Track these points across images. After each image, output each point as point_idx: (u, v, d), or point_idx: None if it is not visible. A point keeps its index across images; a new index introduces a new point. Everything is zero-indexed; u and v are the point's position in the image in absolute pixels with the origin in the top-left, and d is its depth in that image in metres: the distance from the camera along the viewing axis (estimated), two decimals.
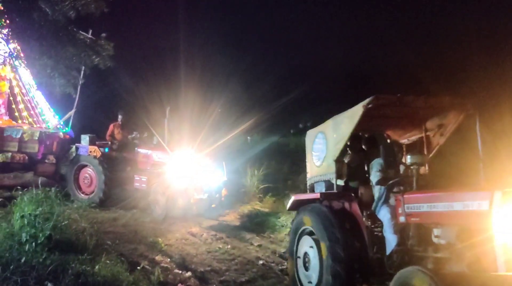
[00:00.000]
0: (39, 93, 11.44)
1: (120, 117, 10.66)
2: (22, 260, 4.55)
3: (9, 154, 9.93)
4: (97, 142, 10.22)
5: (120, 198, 10.16)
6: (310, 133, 6.08)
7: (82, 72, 10.63)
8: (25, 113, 11.55)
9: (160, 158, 9.59)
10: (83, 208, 8.27)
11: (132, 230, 7.88)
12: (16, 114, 11.53)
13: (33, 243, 4.78)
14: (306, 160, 6.11)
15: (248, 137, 11.16)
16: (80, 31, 10.00)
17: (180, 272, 6.13)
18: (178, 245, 7.34)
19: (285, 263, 6.68)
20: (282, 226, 9.04)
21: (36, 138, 10.21)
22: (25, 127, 10.55)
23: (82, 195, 9.97)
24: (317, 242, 5.03)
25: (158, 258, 6.57)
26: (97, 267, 4.93)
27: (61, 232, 5.76)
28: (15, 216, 5.51)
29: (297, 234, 5.62)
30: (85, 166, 10.07)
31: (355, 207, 5.04)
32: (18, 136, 10.08)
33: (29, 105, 11.56)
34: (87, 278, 4.70)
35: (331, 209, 5.16)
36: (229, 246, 7.41)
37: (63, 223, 5.86)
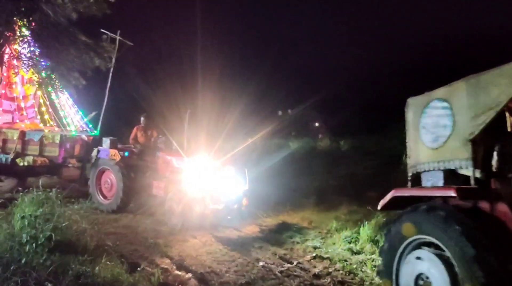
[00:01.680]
0: (65, 96, 11.25)
1: (142, 119, 10.42)
2: (23, 261, 4.58)
3: (31, 158, 9.88)
4: (119, 146, 10.03)
5: (140, 204, 9.94)
6: (416, 101, 4.55)
7: (110, 75, 10.60)
8: (47, 116, 11.38)
9: (179, 164, 9.11)
10: (84, 209, 8.30)
11: (133, 231, 7.91)
12: (38, 117, 11.38)
13: (34, 244, 4.80)
14: (407, 140, 4.69)
15: (249, 139, 10.94)
16: (108, 32, 10.00)
17: (180, 273, 6.13)
18: (179, 247, 7.34)
19: (285, 265, 6.68)
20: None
21: (57, 142, 10.10)
22: (46, 130, 10.41)
23: (103, 199, 9.78)
24: (446, 261, 3.57)
25: (158, 259, 6.58)
26: (97, 268, 4.95)
27: (62, 233, 5.79)
28: (16, 217, 5.54)
29: (400, 247, 4.07)
30: (106, 170, 9.88)
31: (504, 211, 3.56)
32: (39, 139, 10.02)
33: (52, 108, 11.39)
34: (87, 279, 4.72)
35: (467, 212, 3.64)
36: (229, 248, 7.41)
37: (63, 224, 5.90)
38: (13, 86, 10.56)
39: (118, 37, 10.32)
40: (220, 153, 9.15)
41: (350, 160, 14.21)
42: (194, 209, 8.16)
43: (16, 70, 10.04)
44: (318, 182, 12.05)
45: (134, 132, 10.35)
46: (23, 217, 5.21)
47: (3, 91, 10.55)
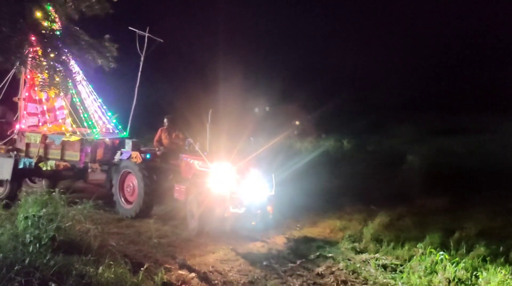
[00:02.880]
0: (92, 97, 10.67)
1: (165, 121, 9.85)
2: (26, 261, 4.59)
3: (53, 162, 9.61)
4: (142, 148, 9.62)
5: (161, 208, 9.53)
6: None
7: (139, 74, 10.08)
8: (69, 119, 10.69)
9: (201, 166, 8.49)
10: (88, 209, 8.24)
11: (136, 231, 7.90)
12: (69, 119, 10.77)
13: (37, 244, 4.81)
14: None
15: (251, 138, 10.38)
16: (136, 30, 9.74)
17: (184, 272, 6.14)
18: (182, 246, 7.34)
19: (289, 264, 6.68)
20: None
21: (77, 146, 9.66)
22: (67, 134, 9.96)
23: (126, 204, 9.31)
24: None
25: (162, 259, 6.59)
26: (101, 268, 4.95)
27: (65, 233, 5.81)
28: (19, 217, 5.56)
29: None
30: (129, 173, 9.40)
31: None
32: (60, 143, 9.66)
33: (74, 110, 10.68)
34: (91, 279, 4.74)
35: None
36: (232, 247, 7.40)
37: (67, 224, 5.92)
38: (36, 88, 9.86)
39: (147, 34, 9.97)
40: (244, 154, 8.40)
41: (354, 160, 14.20)
42: (214, 213, 7.69)
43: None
44: (323, 181, 11.94)
45: (158, 134, 9.95)
46: (26, 218, 5.23)
47: (27, 94, 10.15)
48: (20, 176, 9.83)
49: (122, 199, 9.43)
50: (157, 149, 9.66)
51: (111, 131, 10.96)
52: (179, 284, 5.71)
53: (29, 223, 5.14)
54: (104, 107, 10.90)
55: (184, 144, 9.22)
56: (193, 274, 6.10)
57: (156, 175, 9.11)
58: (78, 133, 9.98)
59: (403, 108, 21.14)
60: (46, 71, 6.60)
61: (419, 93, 22.43)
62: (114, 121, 10.93)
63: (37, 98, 10.31)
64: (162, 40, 10.36)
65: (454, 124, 19.82)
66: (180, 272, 6.17)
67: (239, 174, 8.15)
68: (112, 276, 4.91)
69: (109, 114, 10.92)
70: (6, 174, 9.51)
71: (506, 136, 16.39)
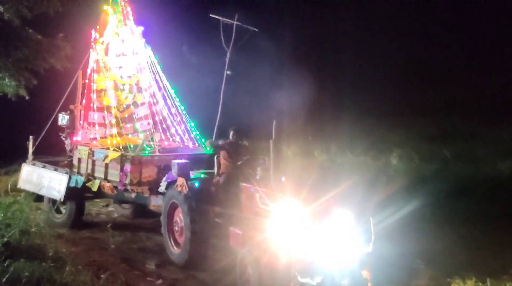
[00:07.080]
0: (161, 103, 9.06)
1: (231, 133, 7.15)
2: None
3: (98, 182, 8.11)
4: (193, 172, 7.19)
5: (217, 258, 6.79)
6: None
7: (225, 73, 8.72)
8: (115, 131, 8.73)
9: (264, 204, 5.77)
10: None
11: (109, 236, 7.73)
12: (141, 132, 8.98)
13: None
14: None
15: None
16: (221, 18, 8.42)
17: (152, 279, 6.04)
18: (156, 252, 7.21)
19: None
20: None
21: (118, 164, 7.87)
22: (111, 149, 8.23)
23: (174, 247, 6.94)
24: None
25: (132, 265, 6.49)
26: (58, 275, 4.84)
27: (29, 238, 5.72)
28: None
29: None
30: (177, 205, 6.99)
31: None
32: (103, 160, 8.06)
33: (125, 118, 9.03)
34: None
35: None
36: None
37: (33, 230, 5.85)
38: (102, 93, 8.72)
39: (235, 23, 8.34)
40: (326, 187, 5.63)
41: (340, 166, 14.05)
42: (277, 280, 5.10)
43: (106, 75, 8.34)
44: None
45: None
46: None
47: (84, 102, 8.71)
48: (74, 196, 8.27)
49: (171, 240, 7.04)
50: (219, 174, 7.09)
51: (181, 145, 9.00)
52: None
53: None
54: (183, 115, 8.94)
55: (259, 169, 6.36)
56: (160, 281, 6.01)
57: (211, 212, 6.73)
58: (121, 148, 8.15)
59: (395, 114, 21.05)
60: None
61: (412, 98, 22.35)
62: (196, 132, 8.89)
63: (105, 105, 8.85)
64: (256, 29, 8.60)
65: (447, 130, 19.75)
66: (149, 278, 6.09)
67: (315, 220, 5.25)
68: (70, 282, 4.81)
69: (192, 124, 8.91)
70: (59, 194, 8.11)
71: (498, 144, 16.27)
